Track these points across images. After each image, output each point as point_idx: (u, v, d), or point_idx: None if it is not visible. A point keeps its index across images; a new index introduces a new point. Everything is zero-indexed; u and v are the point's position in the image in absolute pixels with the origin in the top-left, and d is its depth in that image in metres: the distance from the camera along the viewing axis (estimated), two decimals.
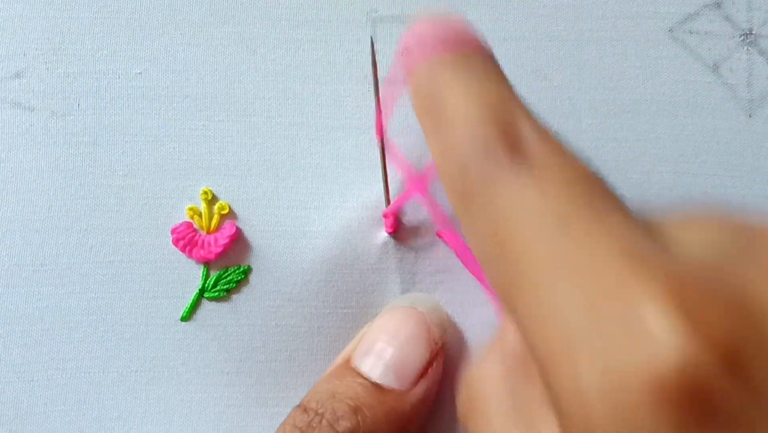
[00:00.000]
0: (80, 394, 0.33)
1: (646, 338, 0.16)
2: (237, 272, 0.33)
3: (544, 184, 0.20)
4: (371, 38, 0.32)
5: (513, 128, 0.21)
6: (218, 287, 0.33)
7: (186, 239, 0.33)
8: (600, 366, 0.17)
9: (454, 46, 0.23)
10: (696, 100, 0.33)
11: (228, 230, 0.33)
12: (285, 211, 0.33)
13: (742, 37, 0.33)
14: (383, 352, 0.31)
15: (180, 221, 0.33)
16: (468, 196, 0.21)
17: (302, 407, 0.30)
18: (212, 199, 0.33)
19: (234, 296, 0.33)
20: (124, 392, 0.33)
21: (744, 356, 0.16)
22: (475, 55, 0.23)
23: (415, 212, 0.33)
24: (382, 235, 0.33)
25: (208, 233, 0.33)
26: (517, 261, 0.19)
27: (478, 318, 0.33)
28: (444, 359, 0.32)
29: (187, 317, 0.33)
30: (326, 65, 0.33)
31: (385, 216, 0.33)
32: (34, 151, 0.33)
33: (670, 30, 0.33)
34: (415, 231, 0.33)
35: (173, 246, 0.33)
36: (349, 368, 0.31)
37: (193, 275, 0.33)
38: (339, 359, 0.32)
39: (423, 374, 0.31)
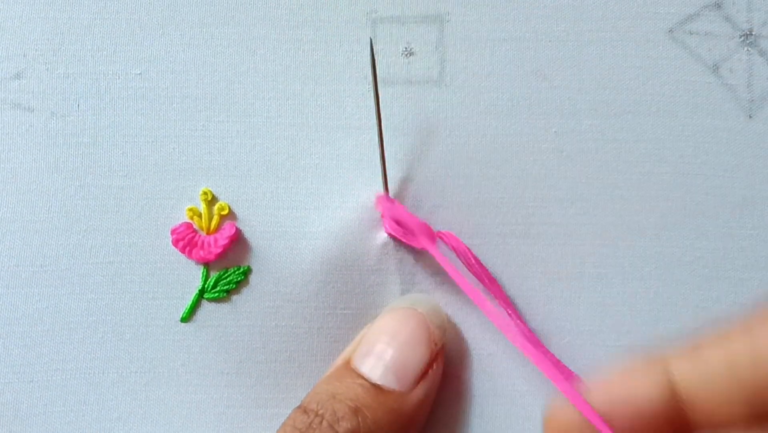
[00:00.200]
0: (80, 395, 0.33)
1: None
2: (237, 272, 0.33)
3: None
4: (371, 40, 0.32)
5: None
6: (218, 288, 0.33)
7: (186, 239, 0.33)
8: None
9: None
10: (696, 101, 0.33)
11: (228, 231, 0.33)
12: (285, 212, 0.33)
13: (742, 38, 0.33)
14: (383, 353, 0.31)
15: (180, 222, 0.33)
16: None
17: (302, 408, 0.30)
18: (212, 200, 0.33)
19: (234, 297, 0.33)
20: (123, 392, 0.33)
21: None
22: None
23: (415, 214, 0.33)
24: (382, 236, 0.33)
25: (208, 233, 0.33)
26: None
27: (478, 319, 0.33)
28: (444, 360, 0.32)
29: (187, 317, 0.33)
30: (326, 66, 0.33)
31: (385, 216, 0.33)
32: (33, 152, 0.33)
33: (670, 31, 0.33)
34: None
35: (173, 247, 0.33)
36: (349, 369, 0.31)
37: (193, 276, 0.33)
38: (339, 360, 0.32)
39: (423, 375, 0.31)
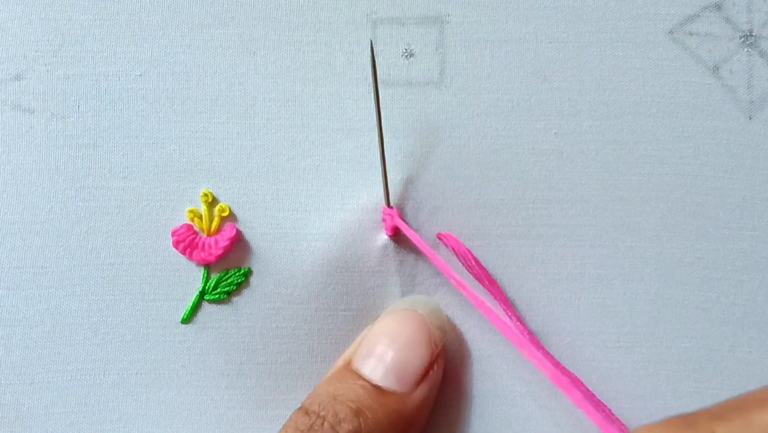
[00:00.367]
0: (81, 396, 0.33)
1: None
2: (237, 274, 0.33)
3: None
4: (371, 41, 0.32)
5: None
6: (219, 290, 0.33)
7: (186, 241, 0.33)
8: None
9: None
10: (696, 102, 0.33)
11: (228, 233, 0.33)
12: (285, 214, 0.33)
13: (743, 39, 0.33)
14: (384, 355, 0.31)
15: (180, 224, 0.33)
16: None
17: (304, 410, 0.30)
18: (212, 202, 0.33)
19: (234, 299, 0.33)
20: (124, 394, 0.33)
21: None
22: None
23: (415, 216, 0.33)
24: (383, 237, 0.33)
25: (209, 235, 0.33)
26: None
27: (479, 320, 0.33)
28: (444, 361, 0.32)
29: (188, 319, 0.33)
30: (326, 67, 0.33)
31: (384, 221, 0.33)
32: (34, 154, 0.33)
33: (670, 32, 0.33)
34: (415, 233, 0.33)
35: (173, 248, 0.33)
36: (350, 370, 0.31)
37: (194, 278, 0.33)
38: (340, 361, 0.32)
39: (424, 376, 0.31)
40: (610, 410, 0.31)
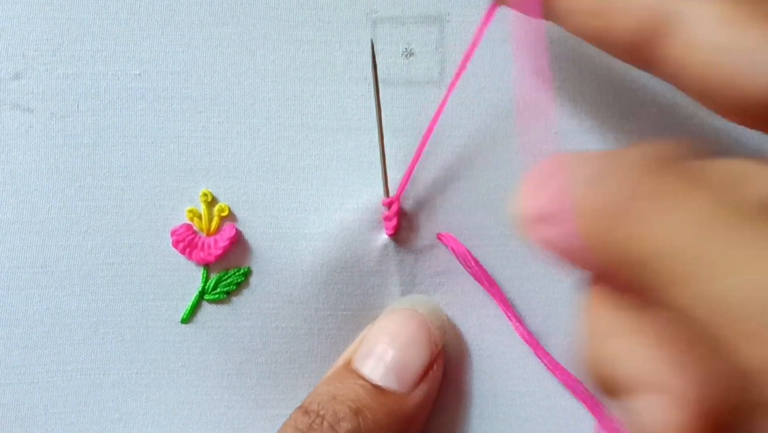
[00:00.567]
0: (81, 396, 0.33)
1: None
2: (237, 274, 0.33)
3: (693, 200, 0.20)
4: (371, 40, 0.32)
5: None
6: (218, 289, 0.33)
7: (186, 241, 0.33)
8: None
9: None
10: (697, 103, 0.33)
11: (228, 232, 0.33)
12: (285, 213, 0.33)
13: None
14: (384, 354, 0.31)
15: (180, 223, 0.33)
16: (621, 226, 0.21)
17: (303, 409, 0.30)
18: (212, 201, 0.33)
19: (234, 298, 0.33)
20: (124, 393, 0.33)
21: None
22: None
23: (415, 214, 0.33)
24: (382, 237, 0.33)
25: (208, 234, 0.33)
26: (678, 256, 0.20)
27: (478, 320, 0.33)
28: (444, 361, 0.32)
29: (188, 319, 0.33)
30: (326, 66, 0.33)
31: (387, 218, 0.33)
32: (33, 153, 0.33)
33: None
34: (415, 233, 0.33)
35: (173, 248, 0.33)
36: (350, 370, 0.31)
37: (193, 277, 0.33)
38: (340, 361, 0.32)
39: (424, 376, 0.31)
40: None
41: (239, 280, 0.33)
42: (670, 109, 0.33)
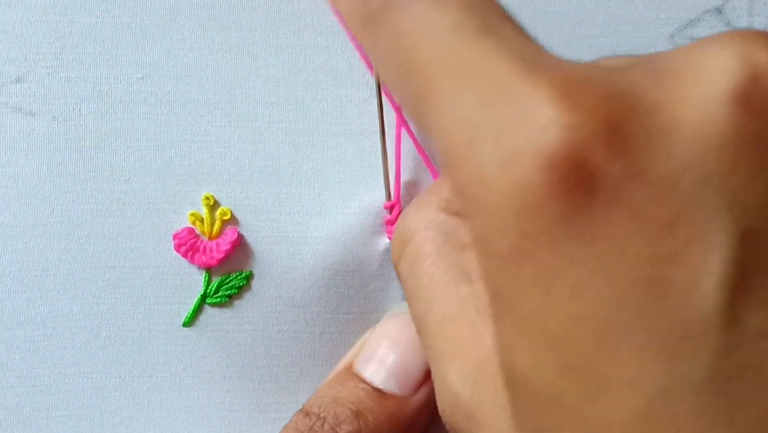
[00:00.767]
0: (82, 399, 0.33)
1: (534, 118, 0.19)
2: (239, 277, 0.33)
3: (440, 3, 0.22)
4: None
5: None
6: (220, 293, 0.33)
7: (188, 244, 0.33)
8: (498, 149, 0.19)
9: None
10: None
11: (230, 236, 0.33)
12: (287, 217, 0.33)
13: None
14: (385, 358, 0.31)
15: (182, 227, 0.33)
16: (372, 20, 0.23)
17: (304, 411, 0.30)
18: (214, 205, 0.33)
19: (236, 302, 0.33)
20: (126, 397, 0.33)
21: (623, 131, 0.18)
22: None
23: None
24: (384, 241, 0.33)
25: (210, 238, 0.33)
26: (420, 72, 0.21)
27: None
28: None
29: (189, 322, 0.33)
30: (328, 71, 0.33)
31: (388, 222, 0.33)
32: (35, 156, 0.33)
33: (671, 36, 0.33)
34: None
35: (175, 252, 0.33)
36: (351, 373, 0.31)
37: (195, 281, 0.33)
38: (341, 364, 0.32)
39: (425, 380, 0.31)
40: None
41: (241, 283, 0.33)
42: None
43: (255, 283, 0.33)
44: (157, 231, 0.33)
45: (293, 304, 0.33)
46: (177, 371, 0.33)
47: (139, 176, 0.33)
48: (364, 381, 0.30)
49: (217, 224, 0.33)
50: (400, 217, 0.27)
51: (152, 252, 0.33)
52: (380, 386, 0.30)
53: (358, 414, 0.29)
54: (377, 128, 0.32)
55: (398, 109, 0.32)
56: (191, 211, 0.33)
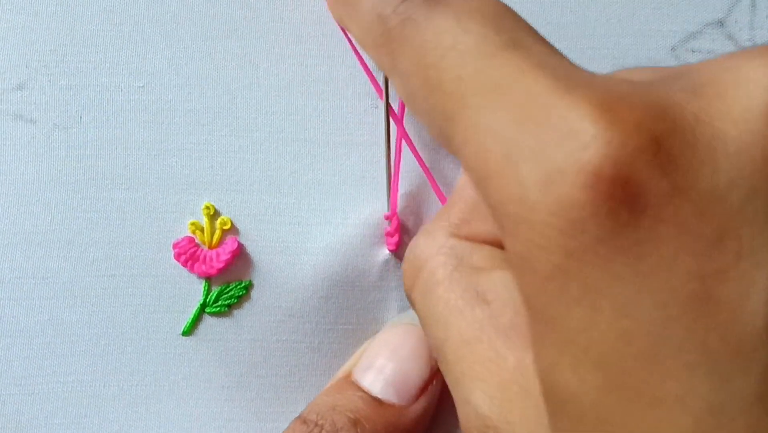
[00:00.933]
0: (81, 407, 0.33)
1: (575, 135, 0.18)
2: (238, 287, 0.33)
3: (464, 18, 0.21)
4: None
5: None
6: (220, 302, 0.33)
7: (188, 253, 0.33)
8: (539, 166, 0.19)
9: None
10: None
11: (230, 246, 0.33)
12: (287, 227, 0.33)
13: None
14: (384, 368, 0.31)
15: (182, 236, 0.33)
16: (390, 39, 0.23)
17: (302, 419, 0.30)
18: (214, 215, 0.33)
19: (235, 311, 0.33)
20: (124, 405, 0.33)
21: (667, 147, 0.18)
22: None
23: (417, 230, 0.33)
24: (384, 252, 0.33)
25: (210, 248, 0.33)
26: (447, 90, 0.21)
27: None
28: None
29: (189, 331, 0.33)
30: (329, 81, 0.33)
31: (388, 234, 0.33)
32: (35, 164, 0.33)
33: (673, 49, 0.33)
34: None
35: (175, 261, 0.33)
36: (349, 382, 0.31)
37: (195, 290, 0.33)
38: (340, 373, 0.32)
39: (423, 390, 0.31)
40: None
41: (240, 293, 0.33)
42: None
43: (254, 292, 0.33)
44: (157, 240, 0.33)
45: (292, 314, 0.33)
46: (176, 379, 0.33)
47: (140, 185, 0.33)
48: (362, 390, 0.31)
49: (217, 234, 0.33)
50: (409, 246, 0.26)
51: (152, 261, 0.33)
52: (378, 395, 0.30)
53: (355, 422, 0.29)
54: (378, 139, 0.32)
55: (399, 121, 0.32)
56: (191, 220, 0.33)
